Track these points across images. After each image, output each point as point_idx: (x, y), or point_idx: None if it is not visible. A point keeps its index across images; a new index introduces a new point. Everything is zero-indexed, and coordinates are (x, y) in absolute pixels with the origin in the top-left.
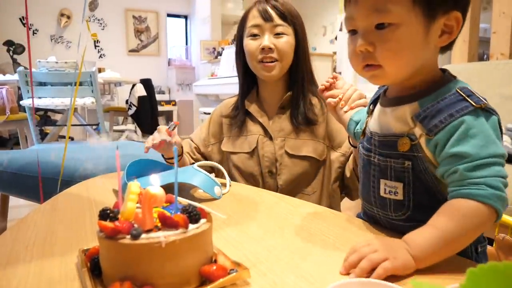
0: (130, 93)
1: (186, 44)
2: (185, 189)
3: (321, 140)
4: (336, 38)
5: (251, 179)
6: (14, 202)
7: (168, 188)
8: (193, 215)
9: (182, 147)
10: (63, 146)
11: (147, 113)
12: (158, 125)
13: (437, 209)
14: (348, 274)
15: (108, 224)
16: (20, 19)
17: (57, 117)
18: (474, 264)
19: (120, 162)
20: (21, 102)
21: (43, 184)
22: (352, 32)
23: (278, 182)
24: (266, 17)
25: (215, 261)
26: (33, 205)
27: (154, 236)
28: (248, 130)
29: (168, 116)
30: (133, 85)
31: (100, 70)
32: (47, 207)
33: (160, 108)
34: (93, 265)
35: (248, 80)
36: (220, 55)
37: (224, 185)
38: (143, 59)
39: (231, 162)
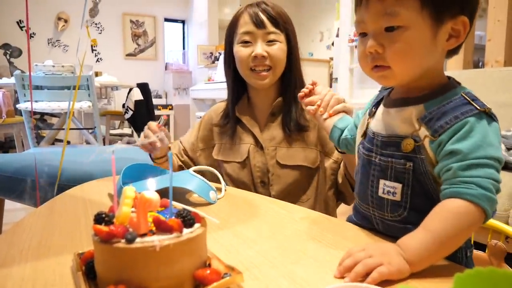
0: (127, 97)
1: (183, 48)
2: (180, 194)
3: (313, 146)
4: (333, 44)
5: (243, 187)
6: (10, 205)
7: (163, 192)
8: (188, 220)
9: (169, 147)
10: (59, 150)
11: (143, 117)
12: None
13: None
14: (342, 277)
15: (103, 228)
16: (17, 22)
17: (54, 120)
18: (463, 269)
19: (116, 166)
20: (17, 106)
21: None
22: (362, 35)
23: (271, 192)
24: (258, 24)
25: (209, 265)
26: (29, 209)
27: (149, 240)
28: (239, 138)
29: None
30: (130, 89)
31: (97, 74)
32: (42, 210)
33: (157, 112)
34: (88, 268)
35: (238, 85)
36: (217, 60)
37: (219, 190)
38: (140, 63)
39: (223, 170)
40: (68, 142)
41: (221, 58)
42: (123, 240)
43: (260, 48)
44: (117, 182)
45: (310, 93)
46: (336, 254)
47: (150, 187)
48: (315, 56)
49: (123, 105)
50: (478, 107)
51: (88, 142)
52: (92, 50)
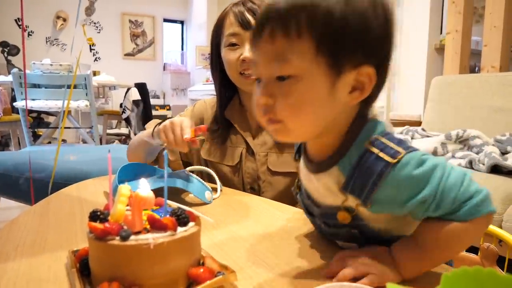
0: (125, 96)
1: (182, 49)
2: (176, 193)
3: None
4: None
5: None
6: (5, 203)
7: (159, 191)
8: (182, 218)
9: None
10: (55, 149)
11: (141, 117)
12: None
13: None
14: (331, 278)
15: (98, 225)
16: (15, 20)
17: (51, 119)
18: (450, 268)
19: (112, 165)
20: (14, 104)
21: (34, 186)
22: (258, 80)
23: None
24: (245, 24)
25: (203, 263)
26: (24, 207)
27: (143, 238)
28: (231, 141)
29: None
30: (128, 89)
31: (95, 73)
32: (38, 208)
33: (154, 113)
34: (82, 265)
35: (227, 89)
36: None
37: (215, 190)
38: (138, 63)
39: (213, 169)
40: (64, 141)
41: None
42: (117, 238)
43: (248, 51)
44: (113, 181)
45: None
46: (330, 255)
47: (146, 186)
48: None
49: (121, 105)
50: (390, 160)
51: (85, 141)
52: (90, 49)
